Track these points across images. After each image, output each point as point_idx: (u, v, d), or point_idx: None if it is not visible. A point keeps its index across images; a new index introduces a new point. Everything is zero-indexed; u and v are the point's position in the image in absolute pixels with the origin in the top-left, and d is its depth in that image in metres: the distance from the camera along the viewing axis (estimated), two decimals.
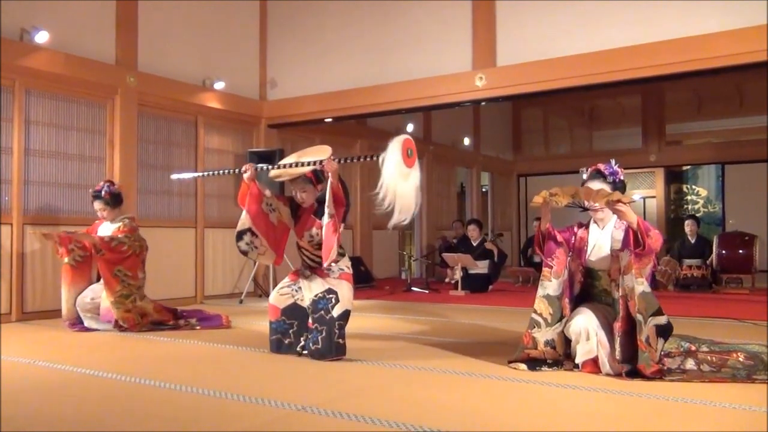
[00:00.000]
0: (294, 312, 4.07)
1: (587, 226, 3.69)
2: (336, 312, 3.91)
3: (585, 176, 3.67)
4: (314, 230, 4.06)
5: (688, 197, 13.91)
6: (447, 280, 9.51)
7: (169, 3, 7.36)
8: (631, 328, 3.33)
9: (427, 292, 8.47)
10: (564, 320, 3.52)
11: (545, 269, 3.59)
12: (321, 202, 3.98)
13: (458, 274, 8.40)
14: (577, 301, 3.62)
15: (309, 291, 4.03)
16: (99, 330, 5.18)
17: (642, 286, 3.31)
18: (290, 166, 3.98)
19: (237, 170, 4.18)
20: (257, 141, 8.39)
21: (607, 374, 3.39)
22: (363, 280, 8.84)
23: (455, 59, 7.08)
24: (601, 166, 3.62)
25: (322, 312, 3.92)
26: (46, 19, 6.14)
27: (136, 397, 3.12)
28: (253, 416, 2.76)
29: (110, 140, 6.71)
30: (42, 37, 6.01)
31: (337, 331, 3.90)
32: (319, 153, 4.00)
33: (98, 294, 5.24)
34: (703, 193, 13.78)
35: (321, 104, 7.96)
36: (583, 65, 6.29)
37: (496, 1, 6.89)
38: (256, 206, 4.00)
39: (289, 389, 3.22)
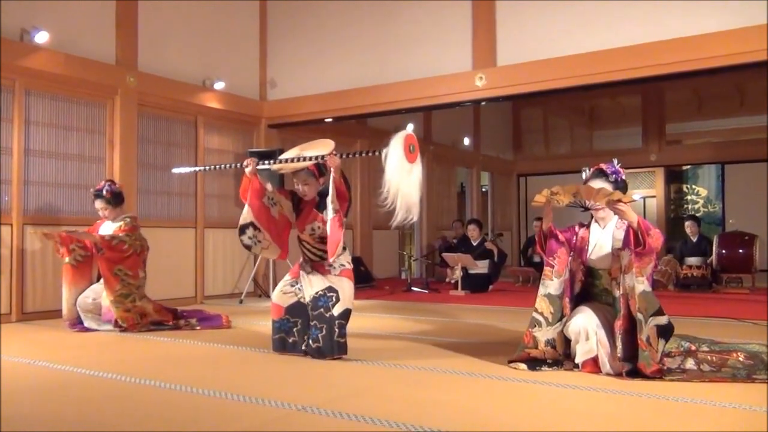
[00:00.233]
0: (297, 310, 4.07)
1: (588, 226, 3.70)
2: (336, 310, 3.91)
3: (586, 175, 3.68)
4: (316, 223, 4.07)
5: (688, 197, 13.91)
6: (447, 280, 9.50)
7: (169, 3, 7.36)
8: (632, 327, 3.33)
9: (427, 292, 8.47)
10: (564, 320, 3.53)
11: (547, 268, 3.59)
12: (322, 195, 4.00)
13: (458, 274, 8.40)
14: (578, 301, 3.63)
15: (310, 287, 4.03)
16: (99, 330, 5.18)
17: (642, 285, 3.31)
18: (292, 160, 4.00)
19: (239, 165, 4.20)
20: (257, 141, 8.39)
21: (608, 374, 3.39)
22: (363, 280, 8.83)
23: (455, 59, 7.08)
24: (604, 166, 3.63)
25: (322, 310, 3.93)
26: (46, 19, 6.14)
27: (136, 398, 3.12)
28: (253, 416, 2.76)
29: (110, 140, 6.71)
30: (42, 37, 6.01)
31: (337, 329, 3.90)
32: (322, 146, 4.02)
33: (99, 294, 5.24)
34: (703, 192, 13.78)
35: (321, 104, 7.96)
36: (582, 65, 6.29)
37: (496, 1, 6.89)
38: (257, 201, 4.01)
39: (289, 389, 3.22)
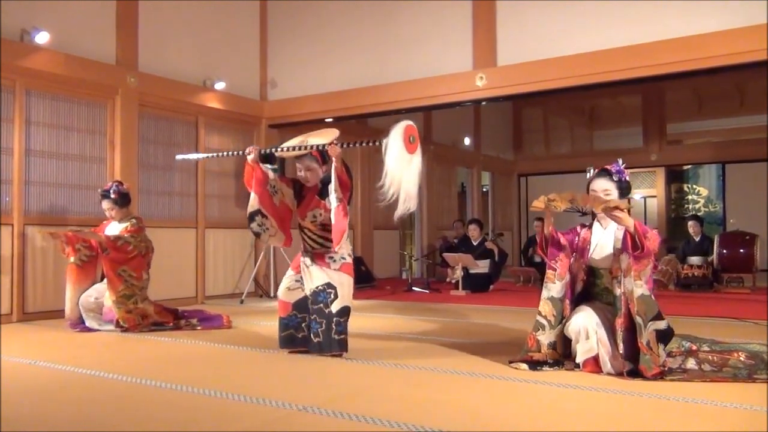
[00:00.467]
0: (304, 305, 4.08)
1: (590, 226, 3.71)
2: (335, 307, 3.92)
3: (590, 175, 3.68)
4: (318, 210, 4.10)
5: (689, 197, 13.91)
6: (448, 279, 9.50)
7: (169, 3, 7.36)
8: (632, 326, 3.34)
9: (427, 291, 8.47)
10: (564, 321, 3.53)
11: (549, 272, 3.61)
12: (325, 183, 4.02)
13: (459, 274, 8.40)
14: (578, 300, 3.64)
15: (310, 281, 4.04)
16: (100, 330, 5.19)
17: (641, 289, 3.32)
18: (294, 149, 4.01)
19: (241, 152, 4.25)
20: (258, 141, 8.38)
21: (608, 373, 3.39)
22: (364, 280, 8.83)
23: (455, 59, 7.08)
24: (608, 165, 3.63)
25: (321, 305, 3.95)
26: (46, 20, 6.14)
27: (137, 398, 3.12)
28: (253, 416, 2.76)
29: (111, 140, 6.71)
30: (42, 38, 6.02)
31: (335, 326, 3.91)
32: (326, 135, 4.08)
33: (102, 293, 5.25)
34: (704, 192, 13.78)
35: (321, 104, 7.97)
36: (583, 65, 6.29)
37: (496, 1, 6.89)
38: (261, 188, 4.05)
39: (289, 389, 3.22)
